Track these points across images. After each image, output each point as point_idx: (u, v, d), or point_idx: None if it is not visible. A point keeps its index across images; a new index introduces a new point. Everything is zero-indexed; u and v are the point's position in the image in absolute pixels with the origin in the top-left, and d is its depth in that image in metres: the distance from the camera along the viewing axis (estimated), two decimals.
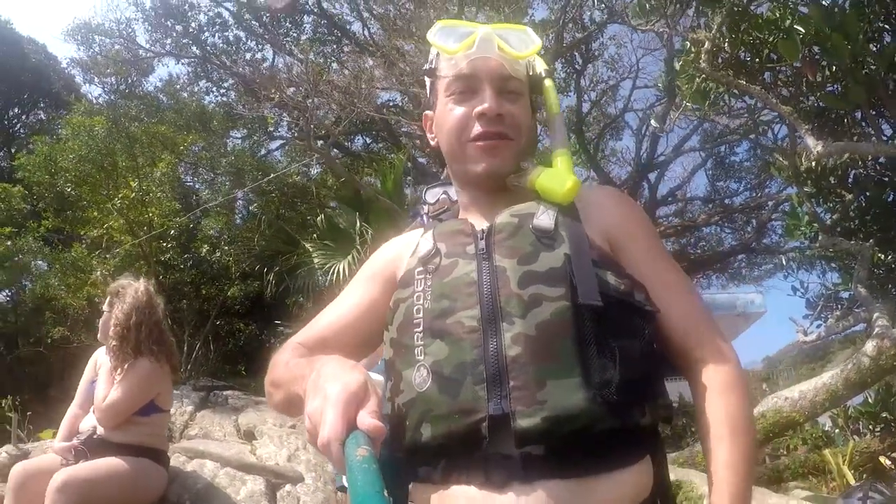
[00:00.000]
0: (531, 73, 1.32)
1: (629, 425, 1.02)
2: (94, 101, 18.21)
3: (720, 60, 4.77)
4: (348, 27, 14.89)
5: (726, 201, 16.69)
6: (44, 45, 23.61)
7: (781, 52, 4.19)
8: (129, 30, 15.79)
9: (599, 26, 14.05)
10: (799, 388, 5.59)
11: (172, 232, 11.73)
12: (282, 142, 13.82)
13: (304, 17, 15.39)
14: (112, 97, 17.35)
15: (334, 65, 14.25)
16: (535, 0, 14.65)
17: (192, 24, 15.78)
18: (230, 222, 12.32)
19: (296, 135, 12.81)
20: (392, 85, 12.35)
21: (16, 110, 24.12)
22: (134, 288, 3.81)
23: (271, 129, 13.26)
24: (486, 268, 1.10)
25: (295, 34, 15.50)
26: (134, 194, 10.90)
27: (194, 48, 16.00)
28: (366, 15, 13.88)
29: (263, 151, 14.15)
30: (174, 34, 15.82)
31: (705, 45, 4.67)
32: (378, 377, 1.04)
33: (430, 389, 1.04)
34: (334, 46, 14.85)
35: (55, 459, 3.59)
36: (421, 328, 1.09)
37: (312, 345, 1.23)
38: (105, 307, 3.87)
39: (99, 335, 3.86)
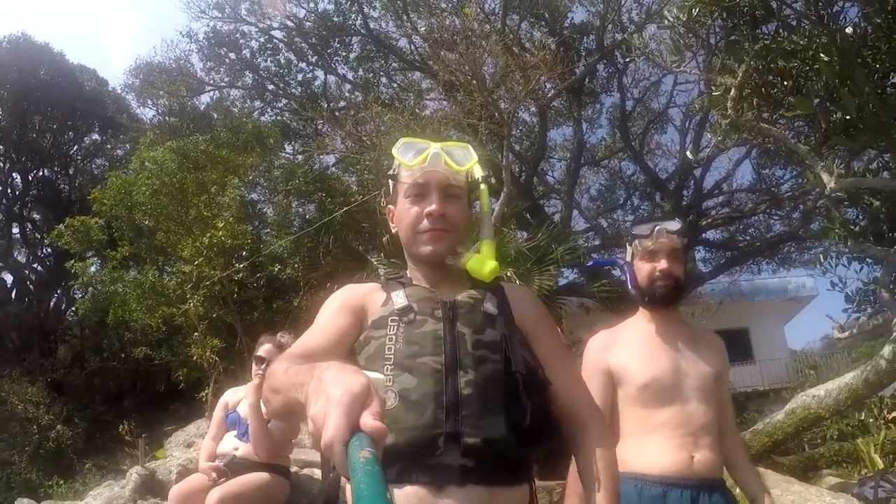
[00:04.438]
0: (470, 179, 1.72)
1: (526, 457, 1.48)
2: (148, 122, 18.98)
3: (747, 92, 5.14)
4: (395, 43, 15.34)
5: (773, 189, 16.75)
6: (94, 70, 24.36)
7: (797, 107, 4.61)
8: (189, 64, 16.58)
9: (639, 27, 14.23)
10: (825, 388, 6.13)
11: (244, 253, 12.28)
12: (337, 156, 14.31)
13: (352, 37, 15.95)
14: (166, 118, 18.15)
15: (383, 79, 14.76)
16: (574, 4, 14.81)
17: (245, 52, 16.48)
18: (297, 239, 12.82)
19: (348, 147, 13.19)
20: (439, 97, 12.72)
21: (70, 134, 24.91)
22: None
23: (327, 143, 13.71)
24: (449, 330, 1.49)
25: (343, 53, 16.12)
26: (215, 231, 11.52)
27: (248, 74, 16.69)
28: (410, 31, 14.25)
29: (318, 166, 14.62)
30: (227, 61, 16.52)
31: (731, 93, 5.08)
32: (378, 376, 1.09)
33: (398, 409, 1.39)
34: (382, 62, 15.32)
35: (202, 479, 4.32)
36: (392, 362, 1.45)
37: (305, 356, 1.37)
38: (259, 367, 4.37)
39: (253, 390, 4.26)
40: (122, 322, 14.11)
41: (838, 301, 5.71)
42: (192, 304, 11.34)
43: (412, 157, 1.64)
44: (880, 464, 6.53)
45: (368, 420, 0.84)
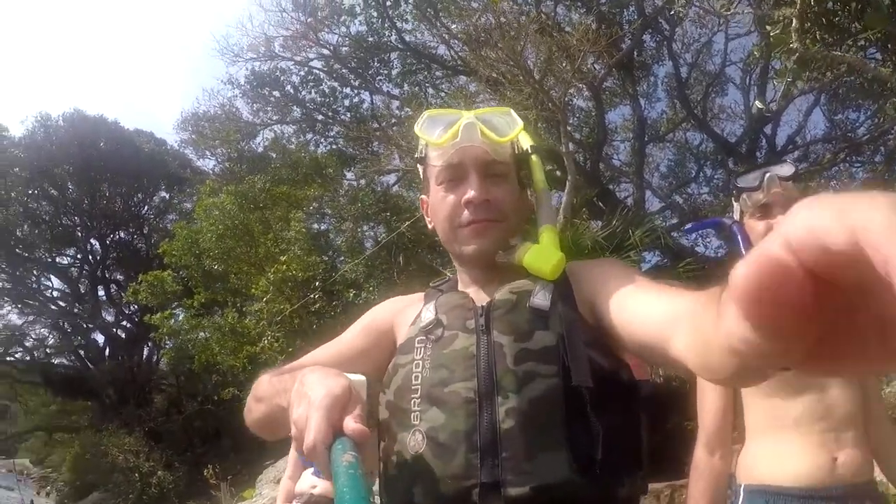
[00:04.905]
0: (517, 152, 1.36)
1: (609, 498, 1.08)
2: (211, 172, 19.50)
3: (808, 24, 4.64)
4: (434, 52, 15.22)
5: (849, 135, 15.63)
6: (151, 132, 25.41)
7: (869, 25, 4.12)
8: (234, 108, 16.93)
9: None
10: None
11: (317, 283, 12.33)
12: (398, 174, 14.29)
13: (390, 54, 15.85)
14: (226, 165, 18.55)
15: (430, 90, 14.61)
16: None
17: (288, 87, 16.58)
18: (368, 262, 12.79)
19: (406, 163, 13.13)
20: (488, 97, 12.48)
21: (139, 195, 25.95)
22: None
23: (382, 162, 13.73)
24: (484, 342, 1.14)
25: (385, 72, 16.06)
26: (279, 266, 11.63)
27: (295, 108, 16.84)
28: (446, 36, 14.10)
29: (381, 187, 14.64)
30: (273, 99, 16.73)
31: (793, 24, 4.58)
32: (360, 378, 1.02)
33: (425, 453, 1.09)
34: (426, 73, 15.19)
35: None
36: (418, 394, 1.14)
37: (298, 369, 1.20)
38: None
39: None
40: (208, 366, 14.36)
41: None
42: (266, 341, 11.40)
43: (441, 133, 1.29)
44: None
45: (350, 423, 0.84)
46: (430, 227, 1.39)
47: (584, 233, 8.67)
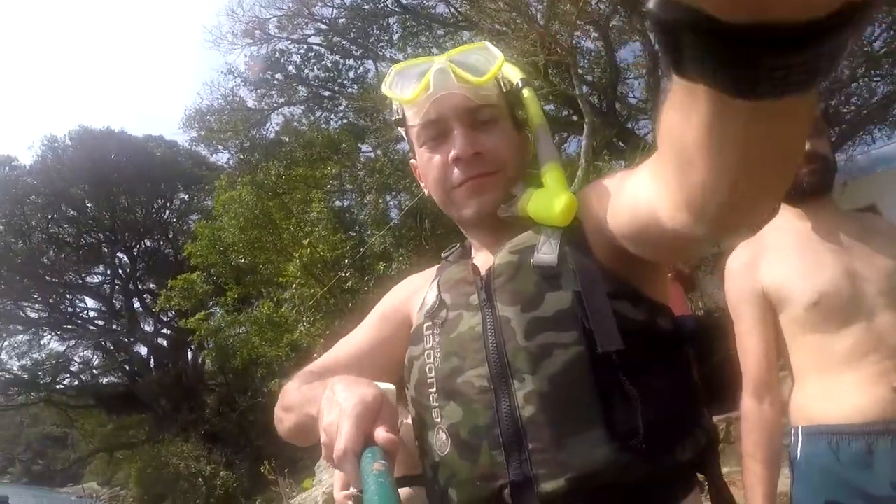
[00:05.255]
0: (504, 90, 1.18)
1: (665, 467, 0.92)
2: (226, 165, 19.39)
3: None
4: (433, 11, 14.91)
5: (866, 49, 14.84)
6: (161, 136, 25.34)
7: None
8: (237, 98, 16.83)
9: None
10: None
11: (346, 261, 12.20)
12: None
13: (388, 19, 15.55)
14: (240, 156, 18.47)
15: (434, 51, 14.32)
16: None
17: (290, 68, 16.41)
18: (395, 232, 12.63)
19: None
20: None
21: (159, 201, 25.98)
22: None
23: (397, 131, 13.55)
24: (489, 319, 1.01)
25: (385, 38, 15.76)
26: (304, 250, 11.50)
27: (300, 88, 16.64)
28: None
29: (399, 155, 14.48)
30: (276, 83, 16.55)
31: None
32: (390, 386, 0.95)
33: (451, 454, 0.99)
34: (427, 34, 14.90)
35: None
36: (434, 389, 1.03)
37: (321, 373, 1.18)
38: None
39: None
40: (252, 360, 14.36)
41: None
42: (303, 327, 11.30)
43: (413, 88, 1.11)
44: None
45: (381, 432, 0.82)
46: (426, 193, 1.22)
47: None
